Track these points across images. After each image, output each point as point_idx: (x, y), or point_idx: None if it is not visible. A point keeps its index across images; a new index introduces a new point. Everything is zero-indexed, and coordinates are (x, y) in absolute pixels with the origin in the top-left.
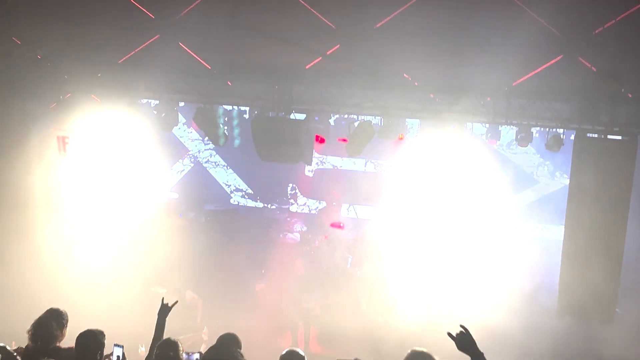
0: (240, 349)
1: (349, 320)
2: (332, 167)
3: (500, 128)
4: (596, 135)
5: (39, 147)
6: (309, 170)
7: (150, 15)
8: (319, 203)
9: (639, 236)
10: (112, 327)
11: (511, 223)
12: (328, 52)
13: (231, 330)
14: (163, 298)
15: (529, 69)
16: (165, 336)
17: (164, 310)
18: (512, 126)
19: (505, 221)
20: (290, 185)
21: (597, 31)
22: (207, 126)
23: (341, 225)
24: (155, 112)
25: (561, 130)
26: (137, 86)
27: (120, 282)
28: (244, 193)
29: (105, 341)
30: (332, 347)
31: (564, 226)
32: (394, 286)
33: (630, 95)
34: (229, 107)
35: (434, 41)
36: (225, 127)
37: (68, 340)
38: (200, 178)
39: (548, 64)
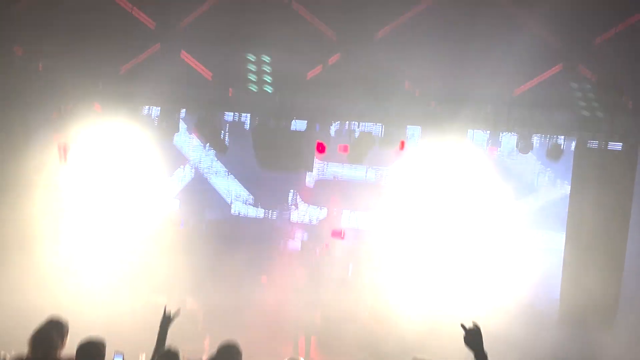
0: (241, 358)
1: (349, 330)
2: (332, 176)
3: (501, 136)
4: (597, 145)
5: (39, 155)
6: (310, 179)
7: (151, 25)
8: (320, 211)
9: None
10: (112, 336)
11: (511, 231)
12: (329, 62)
13: (231, 340)
14: (165, 308)
15: (529, 79)
16: (166, 344)
17: (166, 320)
18: (512, 134)
19: (505, 229)
20: (291, 193)
21: (597, 41)
22: (208, 135)
23: (342, 234)
24: (156, 121)
25: (562, 138)
26: (138, 95)
27: (120, 291)
28: (244, 201)
29: (106, 350)
30: (333, 356)
31: (564, 234)
32: (395, 295)
33: (630, 105)
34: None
35: (435, 50)
36: (226, 136)
37: (68, 349)
38: (200, 186)
39: (548, 74)
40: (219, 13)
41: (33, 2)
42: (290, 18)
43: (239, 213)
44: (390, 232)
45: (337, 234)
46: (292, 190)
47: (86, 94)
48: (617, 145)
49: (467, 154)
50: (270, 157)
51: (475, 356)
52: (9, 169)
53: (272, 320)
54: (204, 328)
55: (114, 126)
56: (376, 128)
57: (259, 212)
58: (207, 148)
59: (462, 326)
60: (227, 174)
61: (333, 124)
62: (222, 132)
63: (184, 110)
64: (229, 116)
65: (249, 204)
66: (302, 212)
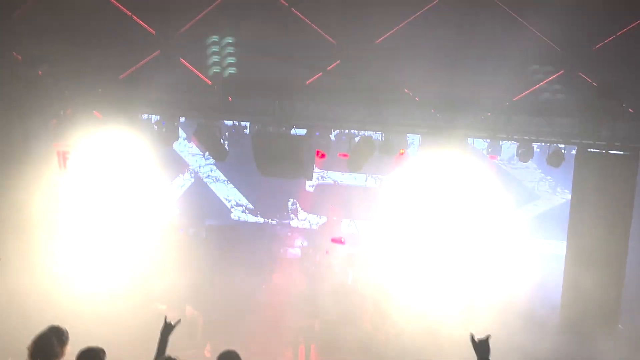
0: None
1: (349, 336)
2: (332, 183)
3: (501, 143)
4: (597, 151)
5: (39, 162)
6: (309, 185)
7: (151, 31)
8: (320, 218)
9: None
10: (112, 344)
11: (512, 238)
12: (329, 68)
13: (231, 347)
14: (166, 317)
15: (529, 85)
16: (166, 352)
17: (167, 329)
18: (513, 142)
19: (506, 236)
20: (291, 200)
21: (597, 47)
22: (207, 141)
23: (342, 240)
24: (155, 128)
25: (562, 146)
26: (138, 102)
27: (120, 299)
28: (244, 208)
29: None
30: None
31: (565, 241)
32: (395, 301)
33: (631, 111)
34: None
35: (434, 57)
36: (226, 143)
37: (68, 358)
38: (200, 193)
39: (548, 79)
40: (219, 19)
41: (33, 9)
42: (290, 25)
43: (238, 219)
44: (391, 239)
45: (337, 240)
46: (291, 199)
47: (86, 100)
48: (617, 151)
49: (467, 161)
50: (270, 163)
51: None
52: (8, 175)
53: (272, 327)
54: (203, 336)
55: (114, 132)
56: (376, 135)
57: (259, 219)
58: (206, 156)
59: (472, 337)
60: (226, 182)
61: (333, 131)
62: (222, 138)
63: (183, 119)
64: (228, 122)
65: (249, 210)
66: (301, 218)
